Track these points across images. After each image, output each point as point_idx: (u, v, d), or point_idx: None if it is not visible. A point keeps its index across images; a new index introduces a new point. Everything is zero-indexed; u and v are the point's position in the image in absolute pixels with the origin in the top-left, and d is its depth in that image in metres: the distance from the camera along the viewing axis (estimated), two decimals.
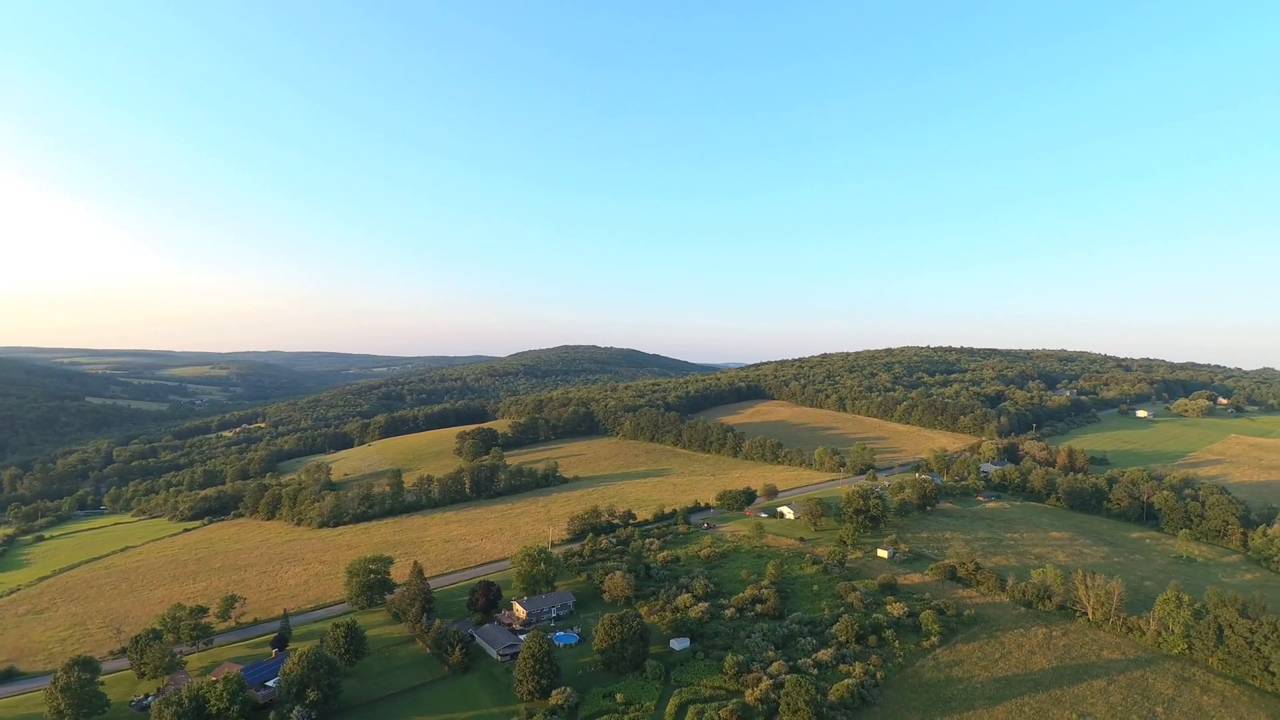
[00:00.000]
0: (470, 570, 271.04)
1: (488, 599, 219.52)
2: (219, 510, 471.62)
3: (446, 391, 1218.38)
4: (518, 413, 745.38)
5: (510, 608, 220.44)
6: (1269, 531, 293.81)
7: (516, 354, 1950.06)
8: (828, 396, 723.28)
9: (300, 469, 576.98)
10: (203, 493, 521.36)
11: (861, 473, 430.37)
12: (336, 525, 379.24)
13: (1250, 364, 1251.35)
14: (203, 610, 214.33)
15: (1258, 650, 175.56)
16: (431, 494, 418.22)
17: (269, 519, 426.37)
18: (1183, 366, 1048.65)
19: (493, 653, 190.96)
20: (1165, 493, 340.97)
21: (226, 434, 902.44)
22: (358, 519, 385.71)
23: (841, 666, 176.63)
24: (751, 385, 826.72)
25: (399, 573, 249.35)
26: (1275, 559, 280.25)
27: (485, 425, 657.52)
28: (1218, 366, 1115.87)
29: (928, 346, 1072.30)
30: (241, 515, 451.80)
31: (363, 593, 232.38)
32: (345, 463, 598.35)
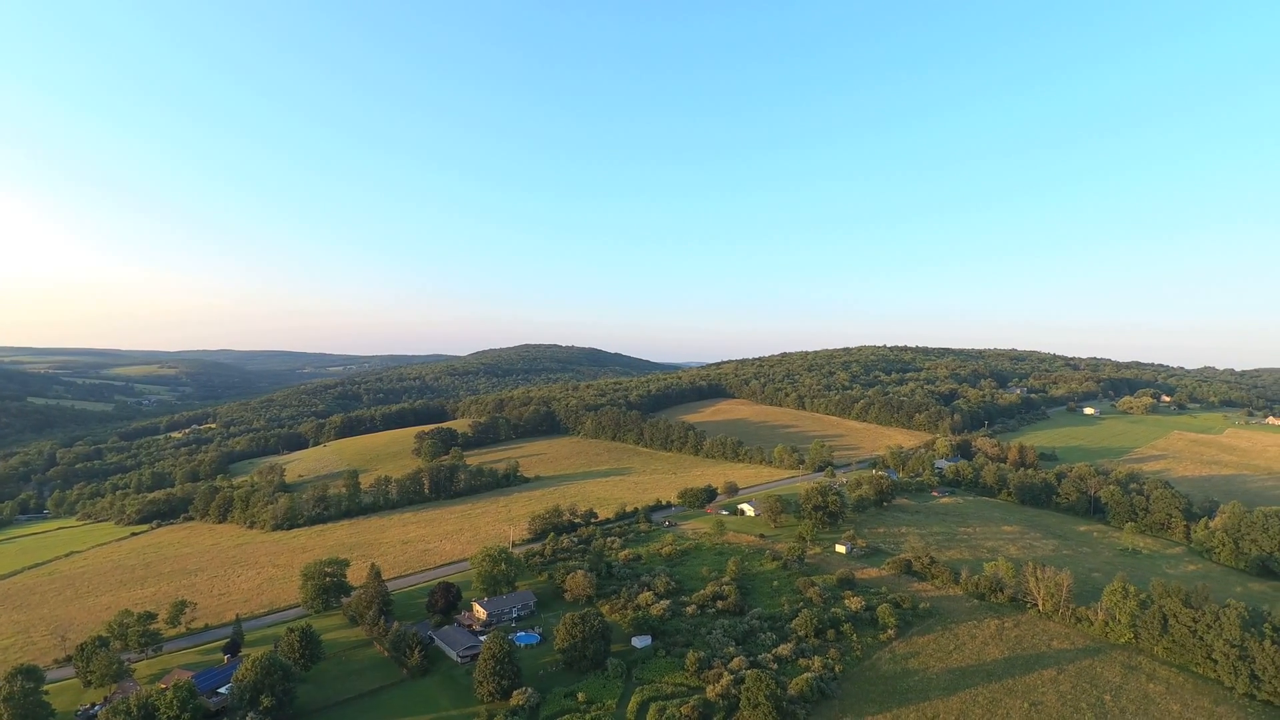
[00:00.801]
0: (429, 572, 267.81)
1: (447, 600, 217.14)
2: (168, 514, 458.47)
3: (405, 391, 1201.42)
4: (478, 412, 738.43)
5: (470, 609, 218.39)
6: (1210, 524, 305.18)
7: (477, 353, 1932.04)
8: (787, 395, 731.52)
9: (253, 470, 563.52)
10: (151, 496, 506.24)
11: (820, 470, 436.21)
12: (291, 528, 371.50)
13: (1191, 363, 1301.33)
14: (151, 616, 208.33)
15: (1200, 639, 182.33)
16: (389, 495, 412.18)
17: (220, 522, 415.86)
18: (1128, 365, 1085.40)
19: (452, 654, 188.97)
20: (1111, 487, 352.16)
21: (176, 435, 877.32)
22: (313, 521, 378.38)
23: (801, 661, 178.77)
24: (713, 384, 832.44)
25: (356, 575, 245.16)
26: (1216, 551, 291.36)
27: (445, 425, 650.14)
28: (1161, 366, 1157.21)
29: (884, 346, 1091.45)
30: (192, 518, 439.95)
31: (318, 596, 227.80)
32: (300, 464, 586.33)
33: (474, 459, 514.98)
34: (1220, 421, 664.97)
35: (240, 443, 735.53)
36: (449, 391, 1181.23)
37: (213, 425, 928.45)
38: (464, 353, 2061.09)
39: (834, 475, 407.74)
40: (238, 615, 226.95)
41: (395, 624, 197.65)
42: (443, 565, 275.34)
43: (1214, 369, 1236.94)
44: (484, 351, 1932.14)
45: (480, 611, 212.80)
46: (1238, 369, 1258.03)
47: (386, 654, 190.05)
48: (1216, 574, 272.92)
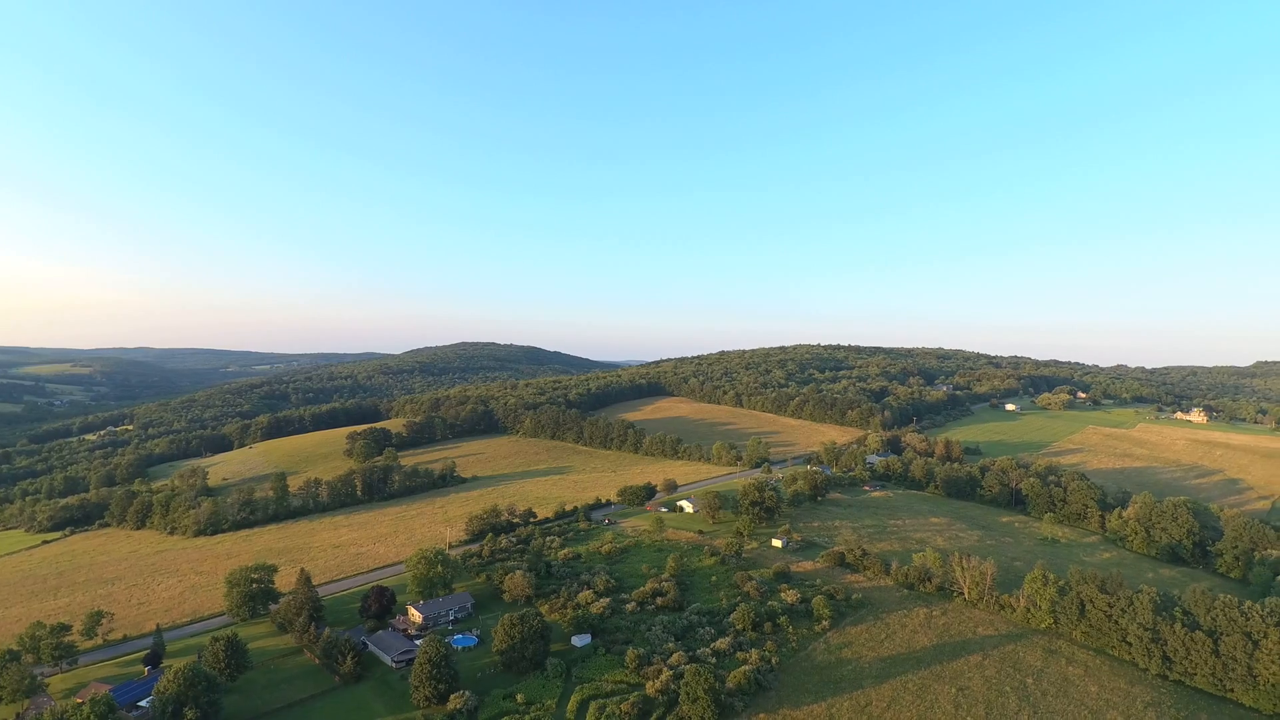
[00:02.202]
0: (362, 576, 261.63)
1: (381, 605, 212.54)
2: (82, 520, 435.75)
3: (336, 390, 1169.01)
4: (413, 412, 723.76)
5: (406, 613, 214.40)
6: (1124, 514, 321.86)
7: (411, 351, 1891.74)
8: (725, 393, 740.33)
9: (173, 474, 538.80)
10: (63, 501, 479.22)
11: (757, 466, 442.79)
12: (214, 533, 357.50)
13: (1106, 362, 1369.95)
14: (65, 628, 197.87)
15: (1115, 623, 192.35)
16: (319, 498, 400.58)
17: (139, 528, 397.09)
18: (1047, 364, 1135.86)
19: (387, 659, 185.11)
20: (1032, 480, 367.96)
21: (90, 437, 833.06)
22: (238, 526, 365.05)
23: (739, 654, 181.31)
24: (652, 382, 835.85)
25: (285, 581, 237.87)
26: (1129, 539, 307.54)
27: (378, 425, 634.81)
28: (1077, 364, 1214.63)
29: (819, 344, 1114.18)
30: (108, 525, 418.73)
31: (244, 604, 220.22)
32: (224, 466, 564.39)
33: (409, 459, 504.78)
34: (1132, 417, 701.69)
35: (159, 445, 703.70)
36: (382, 391, 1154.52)
37: (130, 427, 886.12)
38: (398, 351, 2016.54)
39: (770, 471, 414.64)
40: (158, 625, 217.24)
41: (326, 630, 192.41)
42: (377, 569, 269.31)
43: (1126, 367, 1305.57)
44: (419, 350, 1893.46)
45: (416, 615, 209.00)
46: (1148, 367, 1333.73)
47: (318, 661, 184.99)
48: (1130, 561, 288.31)
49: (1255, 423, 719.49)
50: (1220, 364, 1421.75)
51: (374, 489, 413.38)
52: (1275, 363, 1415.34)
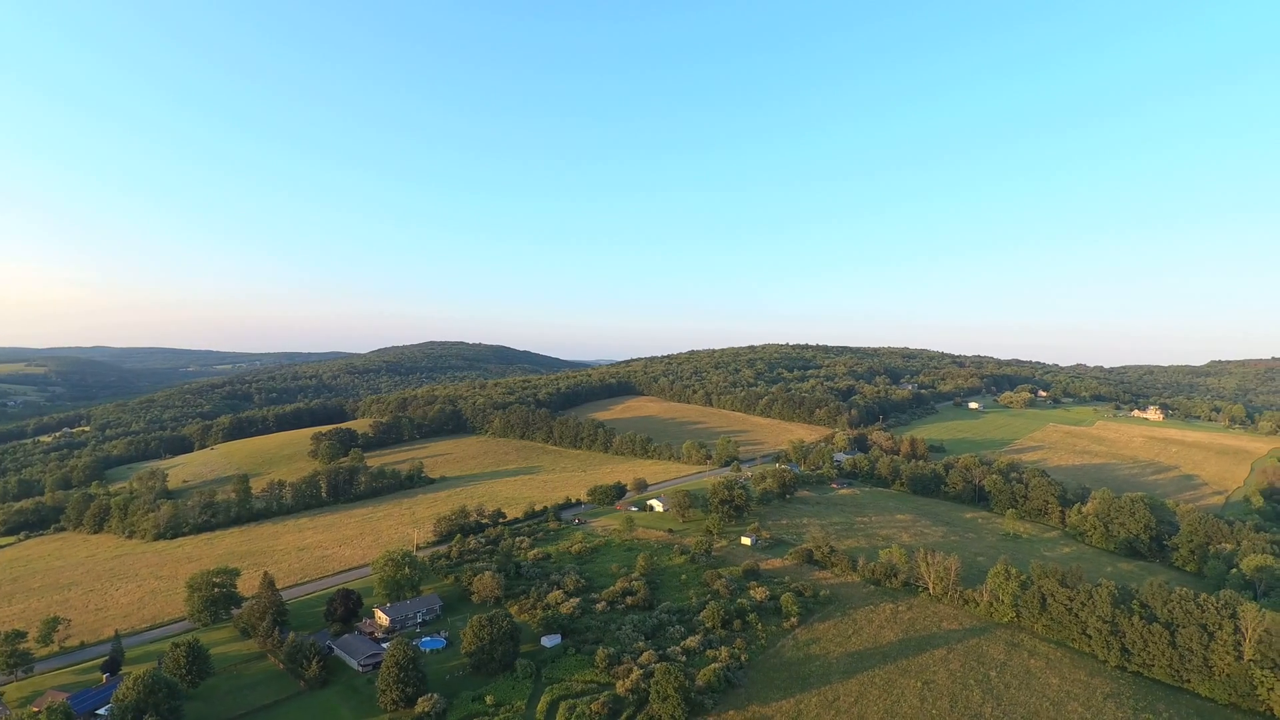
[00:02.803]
0: (328, 579, 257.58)
1: (347, 608, 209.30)
2: (37, 524, 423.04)
3: (300, 390, 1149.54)
4: (380, 412, 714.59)
5: (372, 616, 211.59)
6: (1083, 509, 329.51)
7: (378, 350, 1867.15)
8: (695, 392, 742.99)
9: (132, 476, 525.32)
10: (17, 505, 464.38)
11: (727, 465, 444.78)
12: (175, 537, 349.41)
13: (1065, 361, 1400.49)
14: (20, 635, 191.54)
15: (1076, 616, 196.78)
16: (283, 500, 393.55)
17: (96, 532, 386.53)
18: (1009, 363, 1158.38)
19: (353, 663, 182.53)
20: (994, 477, 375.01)
21: (45, 439, 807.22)
22: (199, 529, 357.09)
23: (709, 652, 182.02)
24: (622, 381, 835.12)
25: (248, 585, 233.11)
26: (1089, 534, 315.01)
27: (344, 425, 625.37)
28: (1038, 363, 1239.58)
29: (787, 344, 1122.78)
30: (64, 529, 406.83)
31: (206, 608, 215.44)
32: (184, 468, 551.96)
33: (376, 460, 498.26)
34: (1091, 415, 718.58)
35: (117, 447, 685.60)
36: (348, 390, 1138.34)
37: (86, 428, 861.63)
38: (364, 350, 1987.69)
39: (740, 470, 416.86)
40: (117, 631, 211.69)
41: (291, 634, 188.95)
42: (342, 571, 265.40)
43: (1085, 366, 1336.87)
44: (386, 349, 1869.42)
45: (382, 618, 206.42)
46: (1106, 366, 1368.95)
47: (282, 666, 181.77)
48: (1089, 555, 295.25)
49: (1209, 420, 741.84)
50: (1176, 363, 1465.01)
51: (339, 490, 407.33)
52: (1228, 362, 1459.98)
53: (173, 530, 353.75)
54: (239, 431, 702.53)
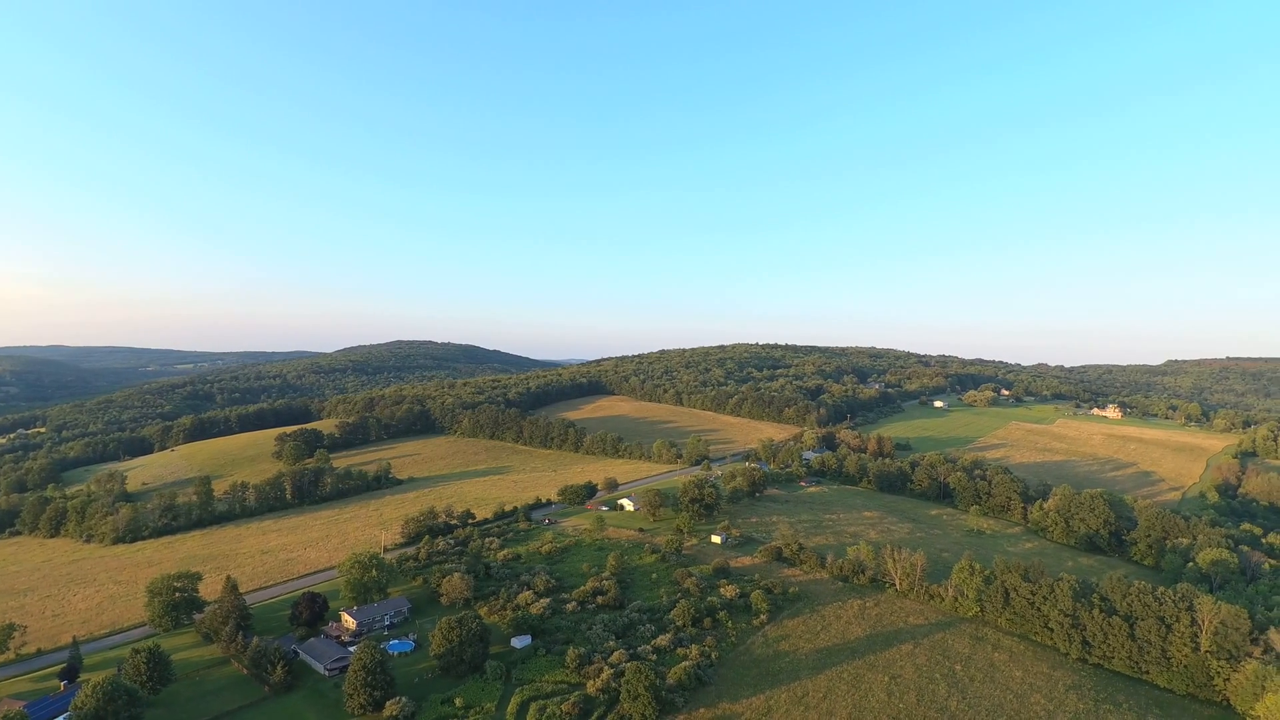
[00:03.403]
0: (293, 582, 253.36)
1: (313, 611, 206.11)
2: None
3: (264, 390, 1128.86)
4: (346, 412, 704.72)
5: (339, 619, 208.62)
6: (1044, 506, 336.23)
7: (344, 349, 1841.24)
8: (666, 391, 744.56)
9: (90, 479, 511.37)
10: None
11: (697, 463, 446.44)
12: (134, 541, 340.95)
13: (1027, 360, 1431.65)
14: None
15: (1038, 609, 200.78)
16: (247, 502, 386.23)
17: (52, 536, 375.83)
18: (972, 362, 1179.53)
19: (319, 668, 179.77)
20: (959, 474, 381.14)
21: None
22: (160, 533, 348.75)
23: (679, 650, 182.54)
24: (593, 381, 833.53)
25: (210, 589, 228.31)
26: (1050, 529, 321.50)
27: (309, 426, 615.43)
28: (1001, 363, 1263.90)
29: (757, 344, 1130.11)
30: (19, 533, 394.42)
31: (167, 614, 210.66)
32: (144, 470, 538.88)
33: (342, 461, 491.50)
34: (1052, 413, 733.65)
35: (74, 448, 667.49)
36: (314, 390, 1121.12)
37: (42, 429, 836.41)
38: (330, 349, 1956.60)
39: (710, 468, 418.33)
40: (75, 638, 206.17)
41: (255, 639, 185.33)
42: (308, 575, 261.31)
43: (1047, 366, 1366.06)
44: (352, 348, 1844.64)
45: (349, 621, 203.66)
46: (1067, 366, 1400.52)
47: (246, 671, 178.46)
48: (1050, 550, 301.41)
49: (1166, 418, 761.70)
50: (1134, 363, 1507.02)
51: (305, 492, 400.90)
52: (1185, 362, 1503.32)
53: (132, 534, 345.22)
54: (201, 432, 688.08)
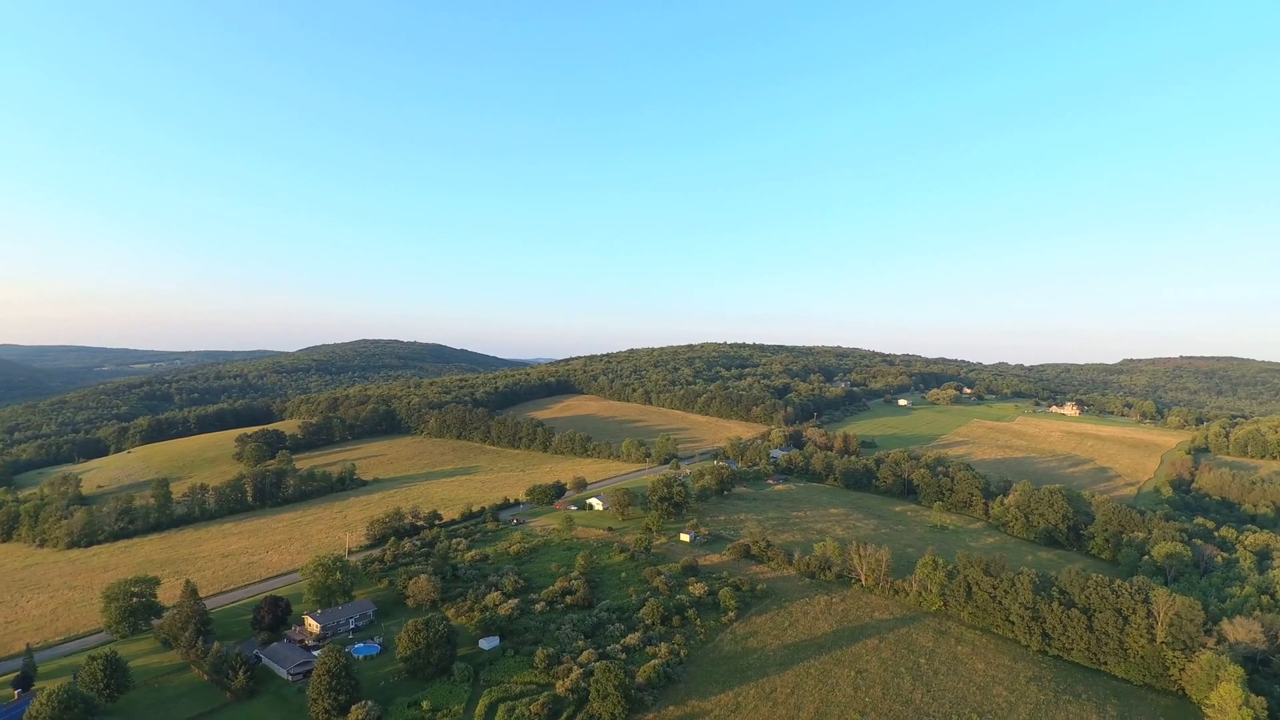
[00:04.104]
0: (255, 586, 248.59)
1: (275, 615, 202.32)
2: None
3: (224, 390, 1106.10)
4: (309, 412, 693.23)
5: (302, 623, 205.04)
6: (1005, 501, 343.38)
7: (307, 349, 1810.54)
8: (634, 390, 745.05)
9: (43, 481, 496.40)
10: None
11: (666, 462, 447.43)
12: (90, 545, 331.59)
13: (988, 359, 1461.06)
14: None
15: (999, 603, 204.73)
16: (206, 505, 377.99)
17: (4, 541, 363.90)
18: (935, 361, 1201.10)
19: (282, 673, 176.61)
20: (922, 471, 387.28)
21: None
22: (116, 536, 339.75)
23: (649, 649, 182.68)
24: (561, 380, 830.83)
25: (169, 594, 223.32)
26: (1011, 524, 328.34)
27: (271, 427, 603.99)
28: (963, 361, 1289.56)
29: (725, 343, 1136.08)
30: None
31: (124, 619, 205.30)
32: (100, 473, 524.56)
33: (305, 462, 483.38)
34: (1013, 411, 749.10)
35: (27, 450, 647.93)
36: (276, 390, 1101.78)
37: None
38: (293, 349, 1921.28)
39: (679, 467, 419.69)
40: (29, 645, 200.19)
41: (216, 644, 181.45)
42: (270, 578, 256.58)
43: (1007, 364, 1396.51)
44: (316, 347, 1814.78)
45: (313, 625, 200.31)
46: (1027, 365, 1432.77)
47: (207, 677, 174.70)
48: (1011, 545, 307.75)
49: (1122, 416, 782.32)
50: (1091, 362, 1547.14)
51: (266, 494, 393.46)
52: (1140, 360, 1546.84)
53: (87, 538, 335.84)
54: (158, 434, 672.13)
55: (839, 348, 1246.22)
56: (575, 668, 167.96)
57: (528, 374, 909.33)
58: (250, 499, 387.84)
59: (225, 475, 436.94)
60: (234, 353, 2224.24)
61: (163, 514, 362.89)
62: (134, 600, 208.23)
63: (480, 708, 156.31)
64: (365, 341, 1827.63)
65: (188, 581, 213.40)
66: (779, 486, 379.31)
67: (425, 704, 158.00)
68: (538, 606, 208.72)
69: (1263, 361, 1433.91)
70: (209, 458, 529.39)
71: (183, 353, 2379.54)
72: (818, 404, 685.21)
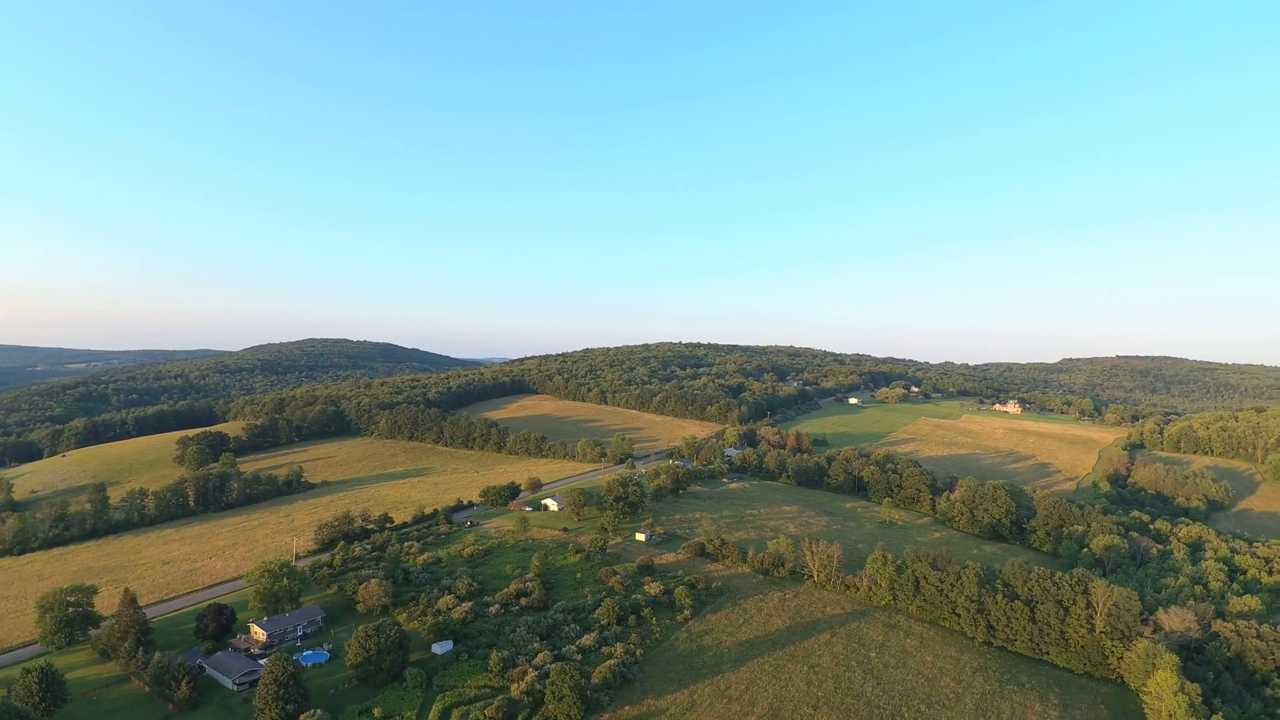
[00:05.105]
0: (198, 594, 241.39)
1: (219, 624, 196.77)
2: None
3: (165, 391, 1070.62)
4: (254, 414, 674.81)
5: (248, 631, 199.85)
6: (951, 497, 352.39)
7: (252, 348, 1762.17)
8: (590, 390, 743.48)
9: None
10: None
11: (621, 462, 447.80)
12: (23, 553, 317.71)
13: (935, 359, 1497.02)
14: None
15: (946, 596, 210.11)
16: (146, 510, 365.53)
17: None
18: (884, 360, 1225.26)
19: (228, 682, 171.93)
20: (872, 468, 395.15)
21: None
22: (50, 544, 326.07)
23: (604, 649, 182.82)
24: (516, 380, 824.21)
25: (107, 603, 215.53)
26: (956, 519, 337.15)
27: (214, 429, 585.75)
28: (911, 361, 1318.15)
29: (680, 342, 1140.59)
30: None
31: (60, 630, 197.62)
32: (33, 478, 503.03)
33: (250, 465, 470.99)
34: (958, 409, 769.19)
35: None
36: (219, 391, 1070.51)
37: None
38: (237, 348, 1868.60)
39: (634, 467, 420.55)
40: None
41: (157, 655, 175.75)
42: (214, 585, 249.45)
43: (953, 364, 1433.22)
44: (261, 346, 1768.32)
45: (259, 633, 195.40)
46: (971, 364, 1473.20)
47: (148, 689, 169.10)
48: (957, 539, 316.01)
49: (1062, 413, 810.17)
50: (1032, 361, 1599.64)
51: (209, 499, 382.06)
52: (1078, 360, 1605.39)
53: (20, 546, 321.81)
54: (95, 436, 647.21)
55: (792, 347, 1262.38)
56: (530, 670, 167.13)
57: (482, 374, 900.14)
58: (192, 504, 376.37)
59: (166, 479, 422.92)
60: (175, 352, 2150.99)
61: (100, 520, 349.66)
62: (70, 610, 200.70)
63: (433, 713, 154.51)
64: (313, 341, 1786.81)
65: (127, 590, 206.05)
66: (734, 485, 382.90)
67: (377, 711, 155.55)
68: (492, 609, 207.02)
69: (1195, 361, 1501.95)
70: (148, 461, 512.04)
71: (120, 352, 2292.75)
72: (771, 403, 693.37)
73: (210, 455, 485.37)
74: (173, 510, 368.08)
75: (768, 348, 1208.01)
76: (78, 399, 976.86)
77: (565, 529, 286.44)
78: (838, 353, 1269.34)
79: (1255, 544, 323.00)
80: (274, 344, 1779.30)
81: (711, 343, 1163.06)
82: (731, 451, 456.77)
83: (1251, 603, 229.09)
